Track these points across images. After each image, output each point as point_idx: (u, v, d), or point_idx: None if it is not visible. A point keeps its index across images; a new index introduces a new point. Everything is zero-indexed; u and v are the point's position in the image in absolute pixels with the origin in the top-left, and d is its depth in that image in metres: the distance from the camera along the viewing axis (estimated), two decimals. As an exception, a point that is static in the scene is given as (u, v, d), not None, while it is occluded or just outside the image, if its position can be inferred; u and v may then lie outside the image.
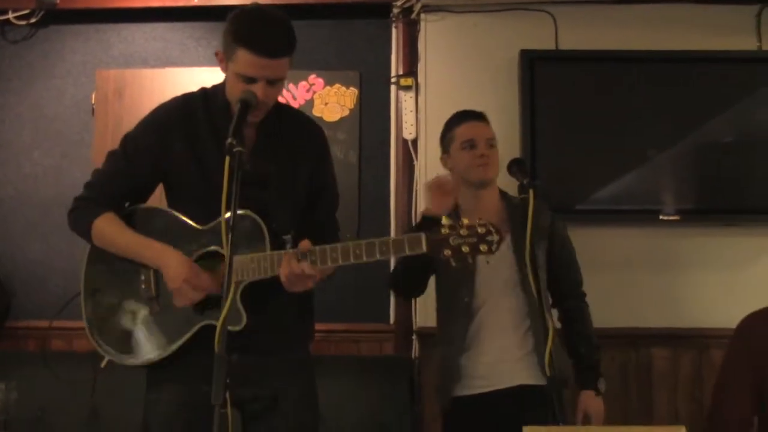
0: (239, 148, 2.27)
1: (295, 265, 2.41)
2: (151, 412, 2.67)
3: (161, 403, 2.63)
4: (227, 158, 2.26)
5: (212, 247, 2.55)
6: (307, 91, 4.30)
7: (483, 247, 2.34)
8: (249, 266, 2.46)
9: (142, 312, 2.63)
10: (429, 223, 2.75)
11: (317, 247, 2.43)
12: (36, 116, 4.44)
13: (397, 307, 4.20)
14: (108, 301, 2.67)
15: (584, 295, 3.30)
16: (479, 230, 2.35)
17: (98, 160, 4.19)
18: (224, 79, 2.64)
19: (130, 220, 2.66)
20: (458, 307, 3.14)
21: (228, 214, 2.26)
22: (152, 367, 2.64)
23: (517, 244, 3.09)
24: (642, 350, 4.07)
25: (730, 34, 4.17)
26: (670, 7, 4.20)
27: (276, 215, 2.55)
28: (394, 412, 3.91)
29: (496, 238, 2.35)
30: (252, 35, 2.46)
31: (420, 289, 3.22)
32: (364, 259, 2.40)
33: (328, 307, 4.17)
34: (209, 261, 2.56)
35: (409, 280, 3.16)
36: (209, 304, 2.53)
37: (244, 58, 2.46)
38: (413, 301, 4.12)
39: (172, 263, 2.52)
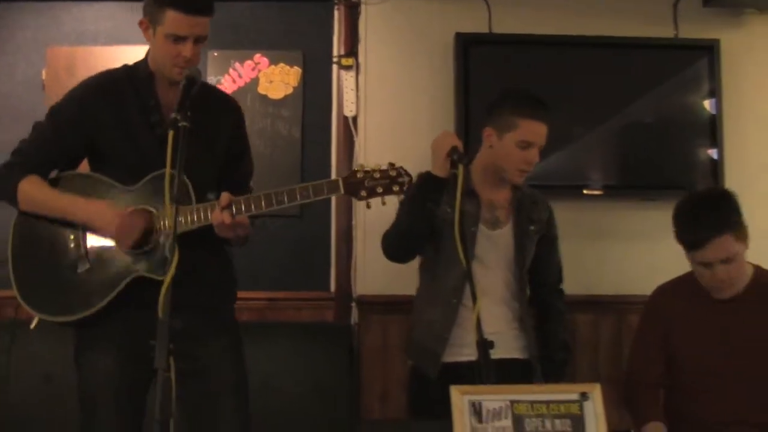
0: (184, 123, 2.39)
1: (217, 216, 2.58)
2: (90, 372, 2.72)
3: (100, 362, 2.69)
4: (171, 132, 2.37)
5: (139, 206, 2.66)
6: (252, 69, 4.41)
7: (395, 188, 2.59)
8: (177, 219, 2.56)
9: (73, 270, 2.69)
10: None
11: (242, 197, 2.60)
12: (-12, 92, 4.46)
13: (338, 276, 4.33)
14: (38, 263, 2.73)
15: (562, 291, 3.38)
16: (391, 173, 2.60)
17: (49, 135, 4.33)
18: (147, 52, 2.80)
19: (55, 184, 2.75)
20: (457, 271, 3.02)
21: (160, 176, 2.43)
22: (86, 325, 2.70)
23: (518, 229, 3.20)
24: (566, 316, 4.26)
25: (651, 23, 4.35)
26: (597, -4, 4.37)
27: (199, 174, 2.67)
28: (335, 376, 4.03)
29: (406, 179, 2.59)
30: None
31: (419, 251, 3.17)
32: (286, 203, 2.58)
33: (272, 275, 4.32)
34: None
35: (411, 241, 3.11)
36: (138, 257, 2.64)
37: (173, 17, 2.62)
38: (353, 270, 4.25)
39: (101, 212, 2.65)
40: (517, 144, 3.09)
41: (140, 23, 2.75)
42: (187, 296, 2.64)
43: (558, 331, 3.33)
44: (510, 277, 3.19)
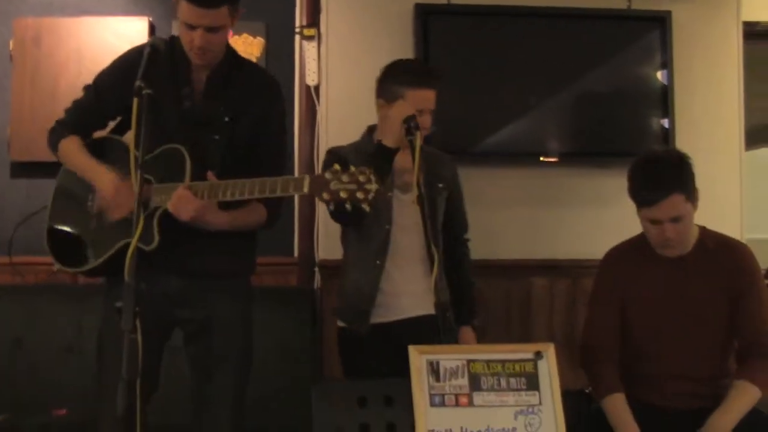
0: (148, 91, 2.47)
1: (180, 192, 2.63)
2: (105, 317, 2.85)
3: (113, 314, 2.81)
4: (135, 100, 2.45)
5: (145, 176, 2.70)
6: (216, 39, 4.45)
7: (360, 194, 2.40)
8: (166, 194, 2.66)
9: (86, 226, 2.84)
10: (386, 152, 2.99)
11: (214, 182, 2.64)
12: (-45, 63, 4.46)
13: (301, 241, 4.41)
14: (66, 213, 2.90)
15: (469, 240, 3.49)
16: (360, 178, 2.41)
17: (17, 104, 4.38)
18: None
19: (96, 144, 2.90)
20: (378, 235, 3.19)
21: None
22: (108, 274, 2.84)
23: (428, 189, 3.14)
24: (522, 279, 4.37)
25: (605, -7, 4.44)
26: (553, -32, 4.42)
27: (209, 154, 2.77)
28: (299, 338, 4.12)
29: (374, 187, 2.41)
30: None
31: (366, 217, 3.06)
32: (256, 195, 2.59)
33: (238, 242, 4.42)
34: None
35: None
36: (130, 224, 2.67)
37: (183, 8, 2.70)
38: (315, 236, 4.34)
39: (104, 182, 2.76)
40: None
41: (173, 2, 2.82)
42: (200, 265, 2.79)
43: (468, 274, 3.46)
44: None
